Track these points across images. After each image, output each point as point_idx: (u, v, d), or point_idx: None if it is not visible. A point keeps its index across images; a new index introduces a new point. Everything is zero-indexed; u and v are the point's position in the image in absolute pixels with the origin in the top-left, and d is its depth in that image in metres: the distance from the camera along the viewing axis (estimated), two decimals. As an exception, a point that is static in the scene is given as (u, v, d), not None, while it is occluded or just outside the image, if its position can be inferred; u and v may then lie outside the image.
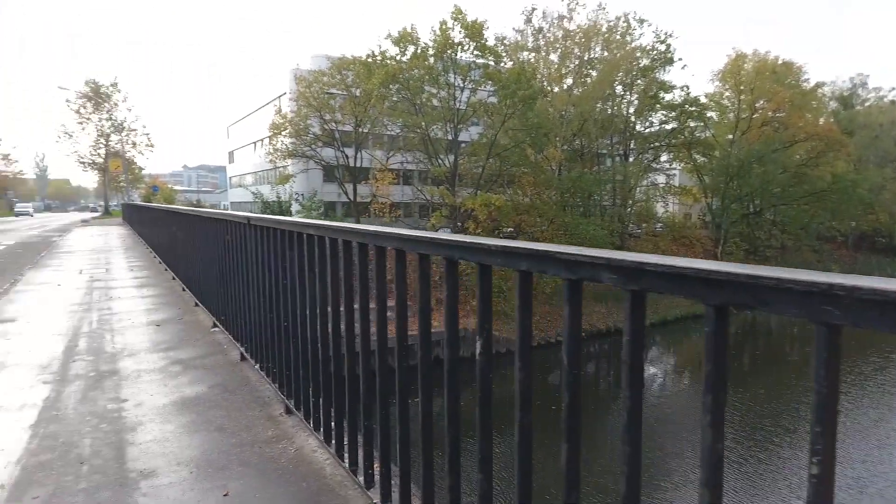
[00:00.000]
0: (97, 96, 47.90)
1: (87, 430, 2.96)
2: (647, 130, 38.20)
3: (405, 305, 1.90)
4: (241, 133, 61.99)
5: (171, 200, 45.49)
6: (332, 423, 2.61)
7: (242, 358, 4.17)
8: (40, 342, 4.77)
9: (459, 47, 31.28)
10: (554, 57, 37.00)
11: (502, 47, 34.74)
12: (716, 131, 39.78)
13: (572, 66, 36.72)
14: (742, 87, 39.14)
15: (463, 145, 33.56)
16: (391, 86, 31.66)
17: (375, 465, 2.20)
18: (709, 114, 38.82)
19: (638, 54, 35.41)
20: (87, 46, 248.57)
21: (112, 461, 2.63)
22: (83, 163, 50.61)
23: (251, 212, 7.15)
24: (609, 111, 36.64)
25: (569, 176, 34.25)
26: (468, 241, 1.42)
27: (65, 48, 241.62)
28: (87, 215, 55.89)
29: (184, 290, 7.21)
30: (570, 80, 37.14)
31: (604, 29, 35.76)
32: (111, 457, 2.68)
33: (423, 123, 31.57)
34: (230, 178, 71.59)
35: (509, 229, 32.88)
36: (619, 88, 36.70)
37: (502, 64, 33.42)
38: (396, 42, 31.35)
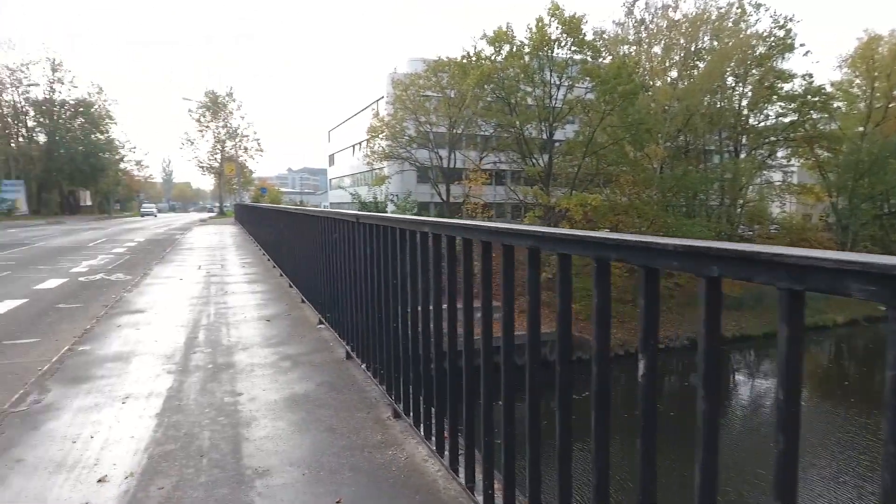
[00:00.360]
0: (215, 105, 51.99)
1: (206, 423, 3.03)
2: (762, 124, 35.22)
3: (538, 307, 1.69)
4: (342, 137, 64.72)
5: (278, 201, 48.33)
6: (446, 433, 2.46)
7: (348, 356, 4.16)
8: (165, 333, 5.06)
9: (556, 44, 30.57)
10: (657, 49, 35.18)
11: (601, 42, 33.51)
12: (843, 123, 35.90)
13: (677, 57, 34.71)
14: (876, 74, 35.06)
15: (557, 144, 32.78)
16: (486, 86, 31.58)
17: (496, 486, 2.01)
18: (835, 104, 35.13)
19: (753, 42, 32.75)
20: (204, 54, 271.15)
21: (229, 456, 2.65)
22: (202, 167, 55.19)
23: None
24: (718, 104, 34.22)
25: (672, 174, 32.39)
26: (633, 240, 1.19)
27: (187, 57, 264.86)
28: (205, 215, 60.84)
29: (290, 286, 7.46)
30: (674, 73, 35.14)
31: (713, 16, 33.46)
32: (228, 451, 2.70)
33: (518, 123, 31.17)
34: (330, 179, 75.00)
35: (605, 230, 31.62)
36: (730, 80, 34.16)
37: (601, 59, 32.23)
38: (492, 42, 31.18)
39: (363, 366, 3.73)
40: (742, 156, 35.41)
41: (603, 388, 1.39)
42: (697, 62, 34.55)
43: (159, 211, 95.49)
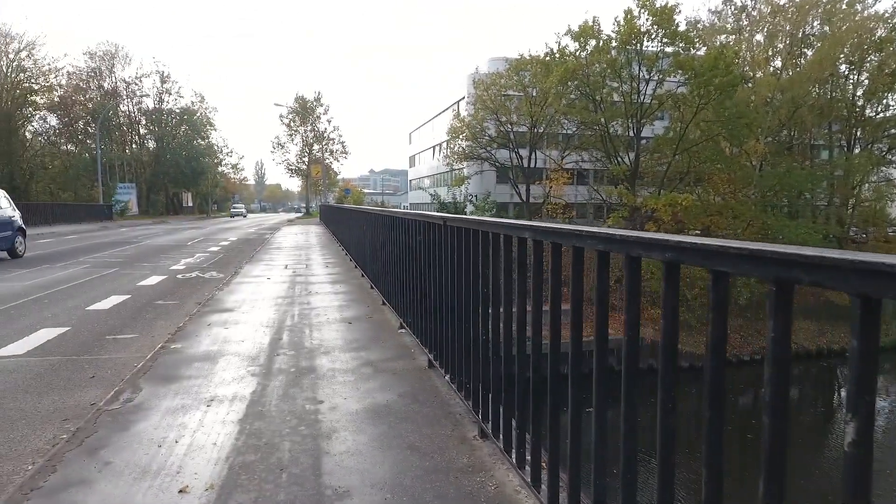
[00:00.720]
0: (304, 110, 54.32)
1: (287, 432, 2.91)
2: (881, 115, 31.81)
3: (676, 329, 1.36)
4: (422, 138, 65.59)
5: (360, 202, 49.70)
6: (543, 463, 2.17)
7: (430, 365, 3.95)
8: (251, 333, 5.10)
9: (646, 36, 29.22)
10: (759, 37, 32.74)
11: (695, 32, 31.64)
12: (981, 112, 31.67)
13: (781, 45, 32.14)
14: None
15: (644, 142, 31.34)
16: (569, 83, 30.76)
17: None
18: (973, 91, 31.07)
19: (871, 24, 29.69)
20: (295, 59, 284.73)
21: (309, 471, 2.50)
22: (290, 169, 57.82)
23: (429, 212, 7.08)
24: (829, 95, 31.32)
25: (773, 171, 29.99)
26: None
27: (273, 61, 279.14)
28: (292, 215, 63.73)
29: (371, 287, 7.42)
30: (777, 63, 32.56)
31: (824, -1, 30.67)
32: (308, 466, 2.56)
33: (603, 120, 30.09)
34: (410, 180, 76.27)
35: (696, 232, 29.81)
36: (843, 67, 31.17)
37: (694, 51, 30.44)
38: (576, 37, 30.28)
39: (447, 377, 3.50)
40: (856, 150, 32.17)
41: (715, 390, 1.05)
42: (805, 49, 31.83)
43: (251, 211, 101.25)
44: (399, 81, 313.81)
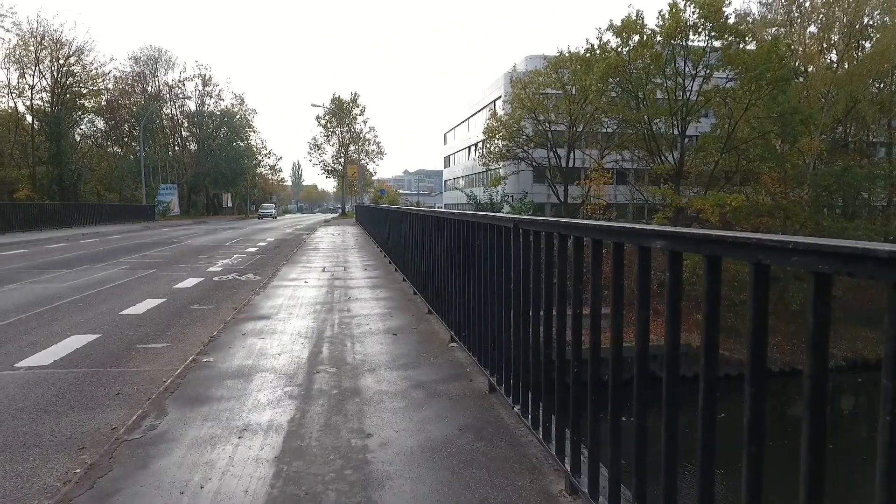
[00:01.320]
0: (340, 111, 54.56)
1: (331, 478, 2.43)
2: (949, 110, 29.82)
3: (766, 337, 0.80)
4: (457, 138, 65.15)
5: (395, 202, 49.57)
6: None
7: (491, 389, 3.42)
8: (288, 345, 4.68)
9: (692, 30, 28.10)
10: (812, 29, 31.12)
11: (744, 25, 30.27)
12: None
13: (837, 37, 30.45)
14: None
15: (687, 140, 30.16)
16: (610, 80, 29.85)
17: None
18: None
19: (939, 13, 27.84)
20: (332, 60, 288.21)
21: (359, 536, 2.01)
22: (327, 170, 58.17)
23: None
24: (890, 89, 29.52)
25: (829, 170, 28.41)
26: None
27: (311, 62, 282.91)
28: (329, 216, 64.14)
29: (415, 293, 6.95)
30: (832, 56, 30.88)
31: (886, -13, 28.91)
32: (357, 527, 2.06)
33: (646, 117, 29.04)
34: (445, 181, 75.91)
35: (745, 234, 28.39)
36: (907, 59, 29.30)
37: (743, 45, 29.11)
38: (618, 32, 29.34)
39: (516, 408, 2.96)
40: (921, 148, 30.25)
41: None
42: (863, 41, 30.09)
43: (287, 212, 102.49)
44: (434, 82, 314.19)
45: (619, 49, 29.33)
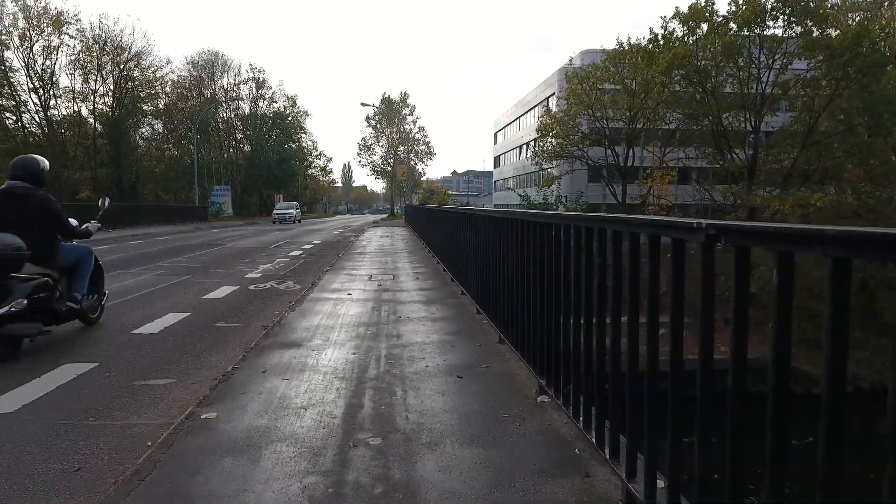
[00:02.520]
0: (390, 111, 54.04)
1: None
2: None
3: None
4: (508, 137, 63.60)
5: (445, 203, 48.54)
6: None
7: (630, 479, 2.12)
8: (319, 393, 3.50)
9: (768, 15, 25.85)
10: (909, 10, 28.08)
11: (825, 10, 27.61)
12: None
13: (937, 18, 27.39)
14: None
15: (762, 135, 27.81)
16: (675, 72, 27.85)
17: None
18: None
19: None
20: (379, 60, 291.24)
21: None
22: (376, 171, 57.81)
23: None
24: None
25: (927, 167, 25.46)
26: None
27: (353, 63, 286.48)
28: (377, 217, 63.82)
29: (478, 312, 5.70)
30: (930, 39, 27.73)
31: None
32: None
33: (716, 111, 26.87)
34: (495, 181, 74.36)
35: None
36: None
37: (824, 31, 26.51)
38: (685, 20, 27.32)
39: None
40: None
41: None
42: (968, 22, 26.91)
43: (337, 213, 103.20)
44: (482, 82, 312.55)
45: (686, 38, 27.36)
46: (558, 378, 3.07)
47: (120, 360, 4.63)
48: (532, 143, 51.44)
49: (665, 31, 27.69)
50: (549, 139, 35.47)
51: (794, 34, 25.64)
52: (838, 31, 25.79)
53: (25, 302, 4.33)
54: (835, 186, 27.05)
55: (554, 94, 46.94)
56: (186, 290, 8.34)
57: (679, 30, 27.14)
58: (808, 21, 25.05)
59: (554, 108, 40.59)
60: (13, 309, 4.23)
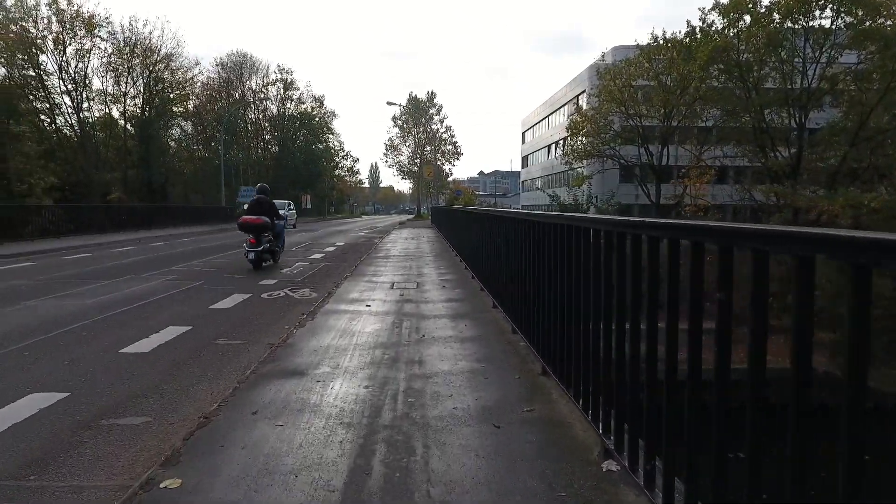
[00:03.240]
0: (417, 110, 53.43)
1: None
2: None
3: None
4: (536, 136, 62.42)
5: (472, 204, 47.67)
6: None
7: None
8: (317, 446, 2.74)
9: (815, 5, 24.43)
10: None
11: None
12: None
13: None
14: None
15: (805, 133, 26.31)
16: (713, 67, 26.61)
17: None
18: None
19: None
20: (405, 61, 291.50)
21: None
22: (402, 171, 57.30)
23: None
24: None
25: None
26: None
27: (380, 64, 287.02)
28: (403, 217, 63.34)
29: (514, 331, 4.90)
30: None
31: None
32: None
33: (758, 106, 25.50)
34: (522, 181, 73.16)
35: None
36: None
37: (877, 21, 24.87)
38: (726, 11, 25.99)
39: None
40: None
41: None
42: None
43: (364, 213, 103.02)
44: (507, 83, 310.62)
45: (726, 31, 26.05)
46: (635, 443, 2.26)
47: (96, 387, 3.96)
48: (561, 141, 50.25)
49: (704, 23, 26.43)
50: (580, 137, 34.38)
51: (842, 25, 24.17)
52: (892, 21, 24.20)
53: (267, 245, 10.71)
54: (885, 186, 25.41)
55: (584, 91, 45.68)
56: (194, 298, 7.72)
57: (719, 22, 25.85)
58: (859, 10, 23.53)
59: (585, 106, 39.44)
60: (266, 245, 10.66)
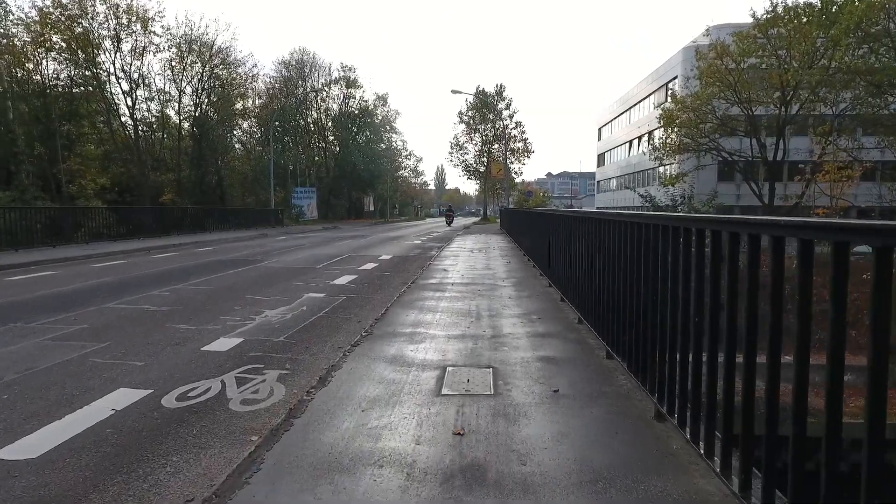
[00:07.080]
0: (484, 106, 49.53)
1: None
2: None
3: None
4: (615, 132, 57.04)
5: (544, 206, 43.23)
6: None
7: None
8: None
9: None
10: None
11: None
12: None
13: None
14: None
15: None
16: (853, 35, 21.25)
17: None
18: None
19: None
20: (471, 62, 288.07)
21: None
22: (468, 171, 53.51)
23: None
24: None
25: None
26: None
27: (446, 64, 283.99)
28: (469, 220, 59.46)
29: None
30: None
31: None
32: None
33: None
34: (598, 181, 67.56)
35: None
36: None
37: None
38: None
39: None
40: None
41: None
42: None
43: (429, 215, 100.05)
44: (573, 84, 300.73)
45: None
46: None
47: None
48: (646, 135, 44.87)
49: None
50: (673, 129, 29.45)
51: None
52: None
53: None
54: None
55: (675, 77, 40.28)
56: (180, 342, 4.16)
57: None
58: None
59: (680, 93, 34.28)
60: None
